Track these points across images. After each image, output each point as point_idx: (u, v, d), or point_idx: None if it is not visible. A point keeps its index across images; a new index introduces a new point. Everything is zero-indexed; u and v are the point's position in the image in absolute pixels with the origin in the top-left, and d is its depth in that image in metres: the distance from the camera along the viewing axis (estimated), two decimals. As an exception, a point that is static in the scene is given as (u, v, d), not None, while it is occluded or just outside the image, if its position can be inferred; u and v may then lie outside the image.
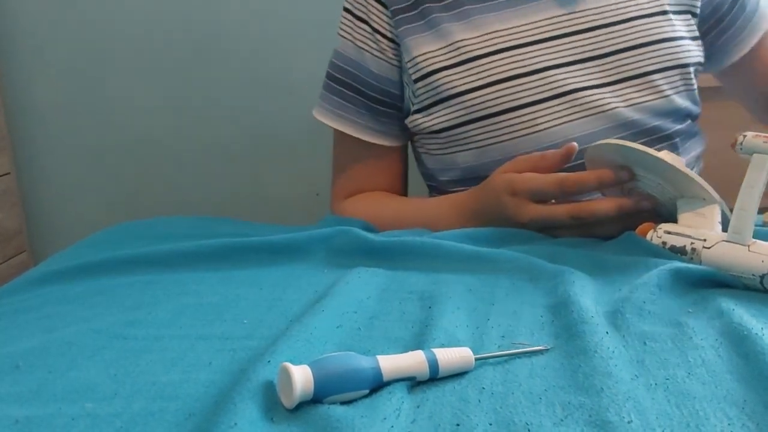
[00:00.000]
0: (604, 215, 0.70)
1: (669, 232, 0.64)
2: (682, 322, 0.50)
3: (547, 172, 0.74)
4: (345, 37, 0.93)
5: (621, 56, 0.86)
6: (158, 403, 0.43)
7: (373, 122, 0.93)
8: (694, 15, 0.92)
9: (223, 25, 1.69)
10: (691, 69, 0.90)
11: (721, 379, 0.43)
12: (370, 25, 0.91)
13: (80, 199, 1.80)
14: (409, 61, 0.88)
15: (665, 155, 0.65)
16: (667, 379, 0.43)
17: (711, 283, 0.58)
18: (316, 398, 0.41)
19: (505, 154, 0.85)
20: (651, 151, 0.65)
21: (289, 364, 0.41)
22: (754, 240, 0.59)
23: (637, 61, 0.86)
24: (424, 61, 0.87)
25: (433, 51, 0.87)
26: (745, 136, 0.60)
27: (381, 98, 0.92)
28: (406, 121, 0.93)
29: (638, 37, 0.87)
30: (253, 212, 1.72)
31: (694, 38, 0.92)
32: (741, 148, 0.60)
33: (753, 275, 0.57)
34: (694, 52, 0.91)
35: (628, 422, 0.38)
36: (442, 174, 0.93)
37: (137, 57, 1.72)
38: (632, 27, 0.87)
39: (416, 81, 0.88)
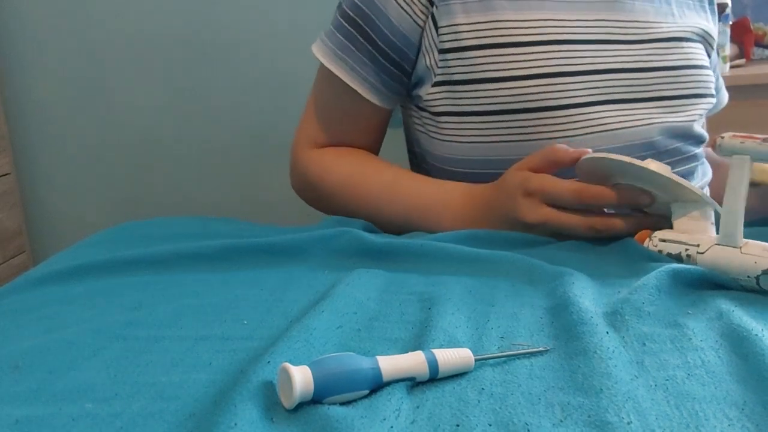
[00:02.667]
0: (621, 233, 0.70)
1: (664, 240, 0.64)
2: (682, 323, 0.50)
3: (555, 167, 0.72)
4: None
5: (663, 74, 0.85)
6: (158, 404, 0.43)
7: (373, 76, 0.86)
8: (709, 55, 0.94)
9: (222, 27, 1.69)
10: (713, 101, 0.91)
11: (721, 380, 0.43)
12: None
13: (80, 199, 1.80)
14: (446, 26, 0.81)
15: (650, 163, 0.65)
16: (667, 380, 0.43)
17: (710, 284, 0.58)
18: (316, 399, 0.41)
19: (523, 155, 0.79)
20: (636, 161, 0.65)
21: (288, 365, 0.41)
22: (746, 240, 0.58)
23: (677, 81, 0.86)
24: (467, 32, 0.80)
25: (473, 23, 0.80)
26: (723, 137, 0.59)
27: (391, 54, 0.85)
28: (422, 93, 0.86)
29: (679, 59, 0.86)
30: (253, 212, 1.73)
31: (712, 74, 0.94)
32: (720, 149, 0.59)
33: (748, 276, 0.57)
34: (714, 84, 0.92)
35: (628, 423, 0.38)
36: (445, 162, 0.88)
37: (137, 58, 1.72)
38: (676, 47, 0.86)
39: (448, 51, 0.81)
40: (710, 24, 0.93)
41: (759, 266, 0.56)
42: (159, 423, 0.41)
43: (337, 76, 0.88)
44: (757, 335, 0.46)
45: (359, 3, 0.85)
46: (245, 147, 1.74)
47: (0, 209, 1.68)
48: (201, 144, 1.76)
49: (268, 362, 0.44)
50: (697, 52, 0.89)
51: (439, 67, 0.83)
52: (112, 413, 0.42)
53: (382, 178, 0.85)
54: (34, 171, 1.80)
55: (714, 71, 1.01)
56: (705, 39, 0.92)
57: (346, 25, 0.87)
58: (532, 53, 0.79)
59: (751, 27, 1.80)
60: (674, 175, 0.64)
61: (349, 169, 0.88)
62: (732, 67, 1.72)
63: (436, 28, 0.82)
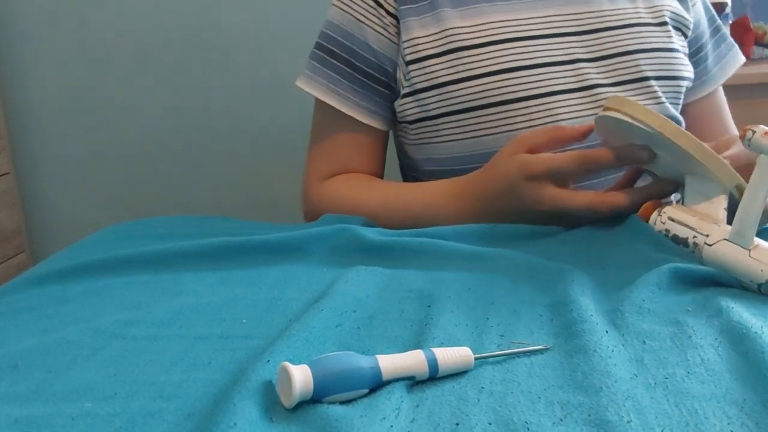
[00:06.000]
0: (624, 210, 0.69)
1: (673, 219, 0.62)
2: (682, 320, 0.50)
3: (563, 144, 0.73)
4: (344, 10, 0.89)
5: (619, 60, 0.87)
6: (157, 403, 0.43)
7: (367, 101, 0.90)
8: (685, 36, 0.94)
9: (221, 27, 1.69)
10: (684, 83, 0.92)
11: (721, 377, 0.43)
12: None
13: (80, 198, 1.80)
14: (406, 41, 0.86)
15: (681, 138, 0.61)
16: (666, 378, 0.43)
17: (710, 281, 0.58)
18: (316, 398, 0.41)
19: (496, 147, 0.83)
20: (651, 123, 0.62)
21: (288, 364, 0.41)
22: (756, 242, 0.57)
23: (634, 66, 0.87)
24: (420, 44, 0.85)
25: (428, 35, 0.85)
26: (754, 131, 0.54)
27: (378, 76, 0.89)
28: (395, 105, 0.90)
29: (636, 43, 0.87)
30: (253, 211, 1.72)
31: (686, 54, 0.93)
32: (749, 145, 0.55)
33: (751, 281, 0.56)
34: (687, 67, 0.92)
35: (628, 421, 0.38)
36: (426, 164, 0.91)
37: (137, 58, 1.72)
38: (631, 33, 0.88)
39: (411, 63, 0.86)
40: (679, 6, 0.94)
41: (764, 275, 0.55)
42: (158, 422, 0.41)
43: (332, 108, 0.90)
44: (756, 333, 0.46)
45: (337, 36, 0.90)
46: (244, 146, 1.74)
47: (-1, 209, 1.68)
48: (200, 144, 1.75)
49: (268, 361, 0.44)
50: (659, 36, 0.89)
51: (407, 80, 0.87)
52: (112, 412, 0.42)
53: (374, 198, 0.86)
54: (34, 170, 1.80)
55: (704, 47, 1.00)
56: (677, 21, 0.93)
57: (329, 58, 0.90)
58: (486, 53, 0.83)
59: (751, 26, 1.80)
60: (699, 147, 0.60)
61: (346, 195, 0.89)
62: (732, 65, 1.72)
63: (402, 42, 0.87)
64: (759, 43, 1.84)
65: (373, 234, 0.71)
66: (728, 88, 1.09)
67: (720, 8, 1.64)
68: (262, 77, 1.69)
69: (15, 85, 1.76)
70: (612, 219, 0.72)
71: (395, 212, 0.83)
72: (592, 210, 0.70)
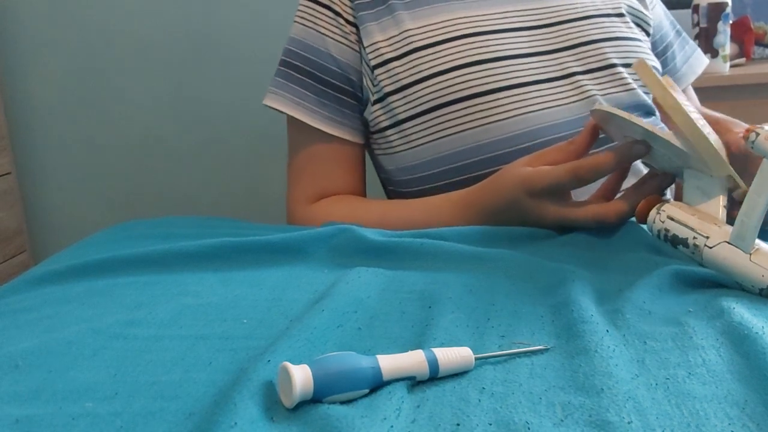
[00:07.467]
0: (629, 215, 0.69)
1: (672, 218, 0.61)
2: (683, 321, 0.50)
3: (575, 157, 0.71)
4: (306, 25, 0.90)
5: (584, 49, 0.87)
6: (158, 403, 0.43)
7: (337, 114, 0.89)
8: (647, 33, 0.95)
9: (222, 25, 1.69)
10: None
11: (722, 378, 0.42)
12: (332, 10, 0.88)
13: (80, 198, 1.81)
14: (368, 46, 0.86)
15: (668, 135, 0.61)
16: (668, 378, 0.43)
17: (711, 283, 0.58)
18: (316, 398, 0.41)
19: (468, 144, 0.83)
20: (650, 126, 0.62)
21: (289, 364, 0.41)
22: (757, 246, 0.56)
23: (600, 54, 0.87)
24: (382, 48, 0.86)
25: (388, 38, 0.86)
26: (758, 133, 0.51)
27: (344, 87, 0.88)
28: (366, 114, 0.89)
29: (598, 33, 0.88)
30: (254, 212, 1.73)
31: (649, 48, 0.94)
32: (752, 147, 0.53)
33: (752, 285, 0.55)
34: (650, 57, 0.93)
35: (629, 422, 0.38)
36: (399, 174, 0.90)
37: (137, 57, 1.72)
38: (592, 23, 0.89)
39: (376, 67, 0.86)
40: (636, 1, 0.95)
41: (765, 280, 0.54)
42: (159, 422, 0.41)
43: (304, 124, 0.89)
44: (757, 333, 0.46)
45: (300, 51, 0.90)
46: (245, 146, 1.74)
47: (0, 208, 1.68)
48: (201, 143, 1.76)
49: (268, 361, 0.44)
50: (619, 27, 0.90)
51: (374, 85, 0.87)
52: (113, 412, 0.42)
53: (372, 215, 0.85)
54: (35, 170, 1.80)
55: (670, 47, 1.01)
56: (635, 16, 0.94)
57: (293, 73, 0.90)
58: (442, 50, 0.84)
59: (751, 26, 1.80)
60: (696, 127, 0.58)
61: (341, 214, 0.87)
62: (732, 66, 1.72)
63: (364, 48, 0.87)
64: (759, 43, 1.84)
65: (373, 235, 0.71)
66: (729, 88, 1.09)
67: (720, 8, 1.64)
68: (264, 77, 1.69)
69: (16, 85, 1.76)
70: (615, 225, 0.72)
71: (396, 228, 0.81)
72: (597, 221, 0.69)
